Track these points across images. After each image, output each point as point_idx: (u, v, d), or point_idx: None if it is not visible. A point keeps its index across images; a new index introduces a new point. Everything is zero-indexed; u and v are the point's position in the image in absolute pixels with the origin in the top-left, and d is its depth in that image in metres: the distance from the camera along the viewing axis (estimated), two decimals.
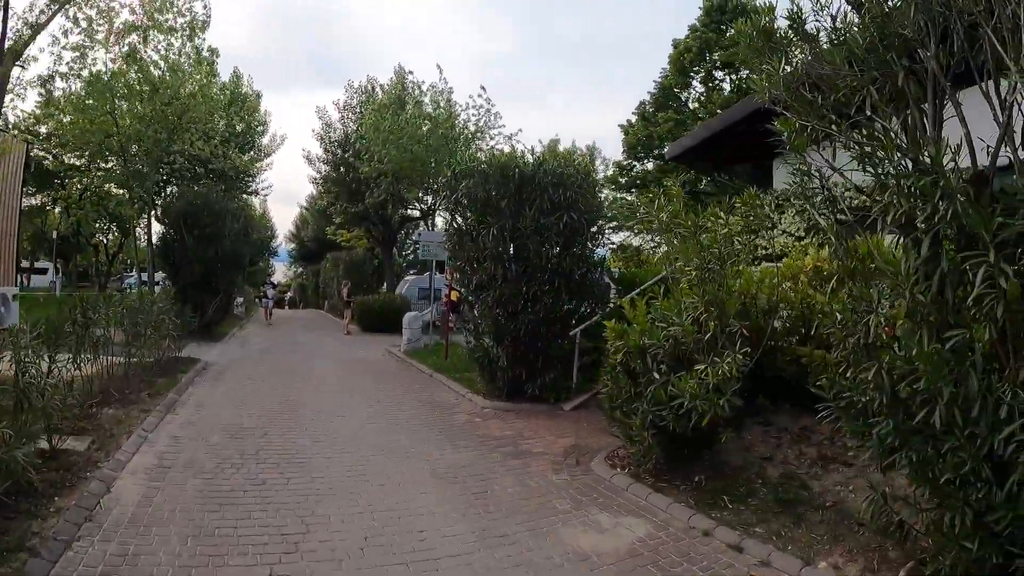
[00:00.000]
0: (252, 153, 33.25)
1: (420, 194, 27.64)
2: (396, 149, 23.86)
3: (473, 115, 25.80)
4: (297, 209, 61.89)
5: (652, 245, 31.27)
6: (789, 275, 9.20)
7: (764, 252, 14.22)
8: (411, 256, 52.12)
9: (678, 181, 26.96)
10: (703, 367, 6.67)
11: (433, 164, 24.87)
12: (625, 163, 30.77)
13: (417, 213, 32.46)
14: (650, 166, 31.04)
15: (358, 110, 30.13)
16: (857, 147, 4.99)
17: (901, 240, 4.79)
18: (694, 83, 29.67)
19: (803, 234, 13.78)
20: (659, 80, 30.07)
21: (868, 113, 4.94)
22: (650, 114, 30.16)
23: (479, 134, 25.84)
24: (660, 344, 7.30)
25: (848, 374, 5.03)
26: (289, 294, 61.67)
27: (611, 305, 12.51)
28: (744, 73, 28.25)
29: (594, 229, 12.74)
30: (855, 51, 4.87)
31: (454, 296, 24.71)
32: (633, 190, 30.31)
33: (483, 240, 11.77)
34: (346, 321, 25.30)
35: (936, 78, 4.71)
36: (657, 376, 7.14)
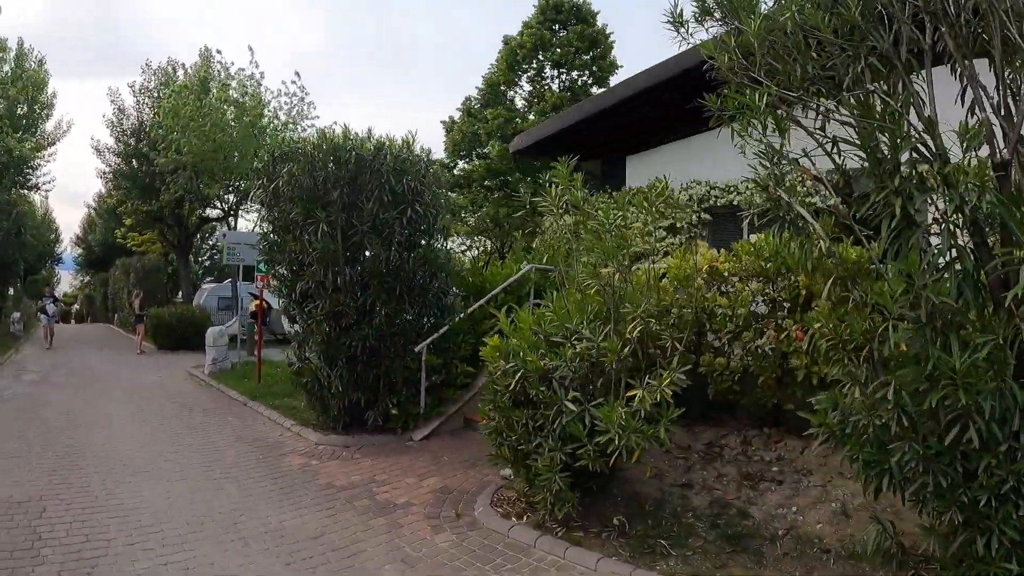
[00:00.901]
0: (34, 140, 28.48)
1: (221, 192, 24.36)
2: (197, 138, 20.74)
3: (285, 103, 23.04)
4: (84, 210, 55.14)
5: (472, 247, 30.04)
6: (681, 276, 7.81)
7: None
8: (208, 263, 47.97)
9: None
10: (637, 392, 5.60)
11: (237, 157, 21.95)
12: (448, 161, 28.93)
13: (217, 213, 29.09)
14: (475, 164, 29.32)
15: (156, 94, 26.41)
16: (856, 119, 4.38)
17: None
18: (522, 81, 28.33)
19: (664, 232, 12.78)
20: (487, 75, 28.51)
21: (869, 86, 4.43)
22: (477, 110, 28.53)
23: (290, 124, 23.09)
24: (568, 365, 6.02)
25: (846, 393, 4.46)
26: (76, 306, 55.29)
27: (459, 316, 11.01)
28: (574, 74, 27.46)
29: (439, 226, 10.88)
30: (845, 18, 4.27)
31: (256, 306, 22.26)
32: (457, 189, 28.51)
33: (309, 239, 9.62)
34: (139, 338, 21.70)
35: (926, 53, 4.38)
36: (571, 406, 5.86)
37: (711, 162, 11.61)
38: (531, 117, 26.79)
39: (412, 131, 11.56)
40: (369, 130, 10.26)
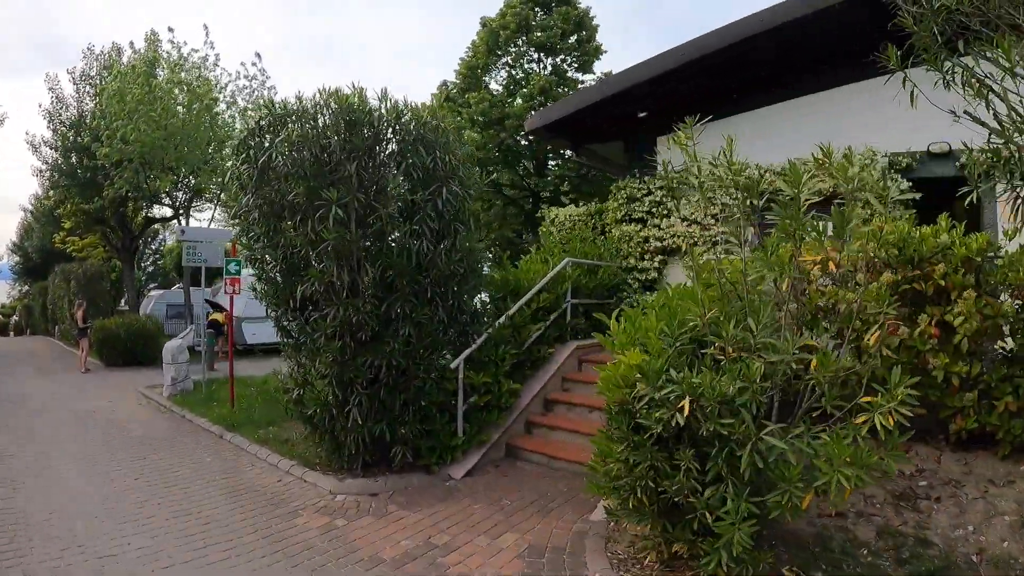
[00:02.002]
0: None
1: (171, 187, 21.35)
2: (145, 123, 17.86)
3: (244, 86, 20.20)
4: (20, 215, 50.73)
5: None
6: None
7: (658, 244, 11.76)
8: (151, 268, 44.43)
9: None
10: (871, 415, 4.01)
11: (188, 147, 19.15)
12: None
13: (166, 213, 26.04)
14: None
15: (98, 81, 23.28)
16: None
17: None
18: (500, 65, 25.85)
19: (709, 220, 11.12)
20: (465, 59, 25.95)
21: None
22: (455, 95, 25.94)
23: (249, 111, 20.28)
24: (755, 387, 4.33)
25: None
26: (14, 318, 50.98)
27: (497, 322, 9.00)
28: (559, 58, 25.14)
29: (469, 212, 8.57)
30: None
31: (217, 318, 19.56)
32: None
33: (315, 227, 7.17)
34: (83, 355, 18.60)
35: None
36: (774, 441, 4.13)
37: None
38: (517, 102, 24.33)
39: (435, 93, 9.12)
40: (384, 90, 7.77)
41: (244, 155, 7.92)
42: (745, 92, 11.18)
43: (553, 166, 25.42)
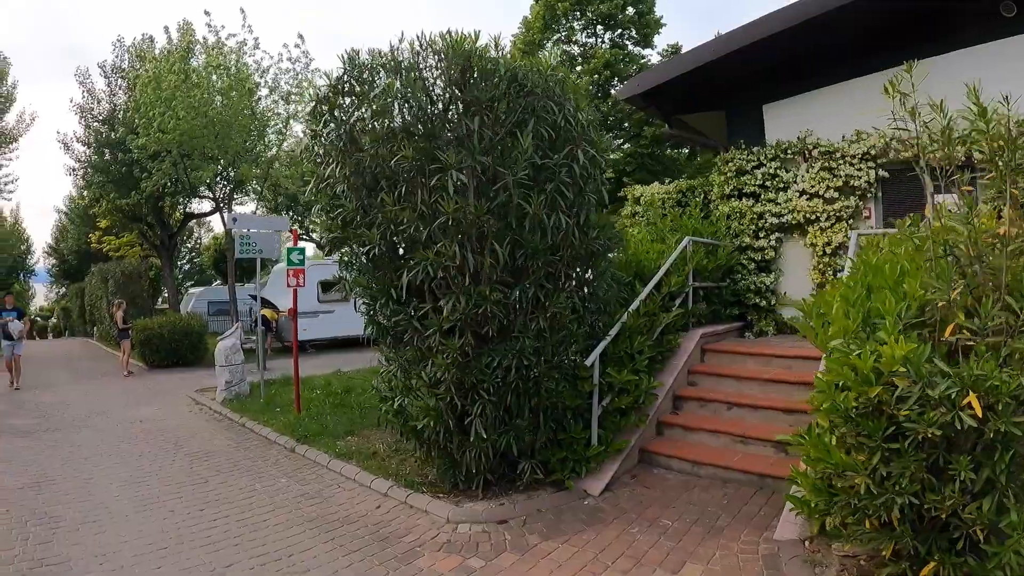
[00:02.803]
0: None
1: (213, 176, 19.74)
2: (184, 110, 16.29)
3: (287, 68, 18.57)
4: (55, 217, 49.54)
5: None
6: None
7: (775, 221, 10.21)
8: (187, 266, 43.10)
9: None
10: None
11: (228, 137, 17.62)
12: None
13: (206, 207, 24.60)
14: None
15: (130, 73, 21.85)
16: None
17: None
18: (555, 40, 23.97)
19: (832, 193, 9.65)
20: (517, 35, 24.16)
21: None
22: None
23: (294, 95, 18.68)
24: None
25: None
26: (52, 320, 50.02)
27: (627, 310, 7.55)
28: (617, 32, 23.27)
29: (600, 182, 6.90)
30: None
31: (266, 313, 18.06)
32: None
33: (424, 198, 5.71)
34: (124, 357, 17.09)
35: None
36: None
37: None
38: (582, 79, 22.43)
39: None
40: (497, 36, 6.13)
41: (325, 117, 6.32)
42: (886, 46, 9.48)
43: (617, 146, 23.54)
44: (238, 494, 6.87)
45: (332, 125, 6.30)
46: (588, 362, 6.62)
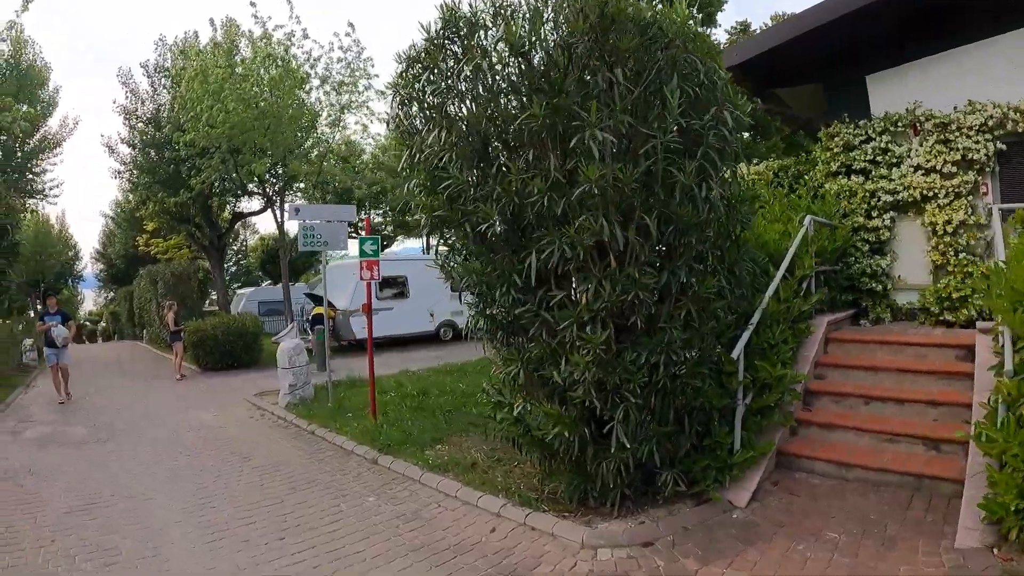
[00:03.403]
0: (33, 141, 23.37)
1: (267, 169, 18.81)
2: (235, 102, 15.38)
3: (340, 58, 17.56)
4: (102, 222, 49.16)
5: None
6: None
7: (888, 199, 9.11)
8: (233, 267, 42.55)
9: None
10: None
11: (279, 130, 16.69)
12: None
13: (255, 205, 23.76)
14: None
15: (173, 71, 21.07)
16: None
17: None
18: None
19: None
20: None
21: None
22: None
23: (345, 87, 17.67)
24: None
25: None
26: (101, 324, 49.90)
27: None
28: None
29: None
30: None
31: (321, 311, 17.12)
32: None
33: (556, 164, 4.83)
34: (177, 360, 16.18)
35: None
36: None
37: None
38: None
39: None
40: None
41: (422, 78, 5.30)
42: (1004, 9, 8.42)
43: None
44: (321, 517, 5.85)
45: (431, 86, 5.25)
46: (734, 355, 5.58)
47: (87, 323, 53.68)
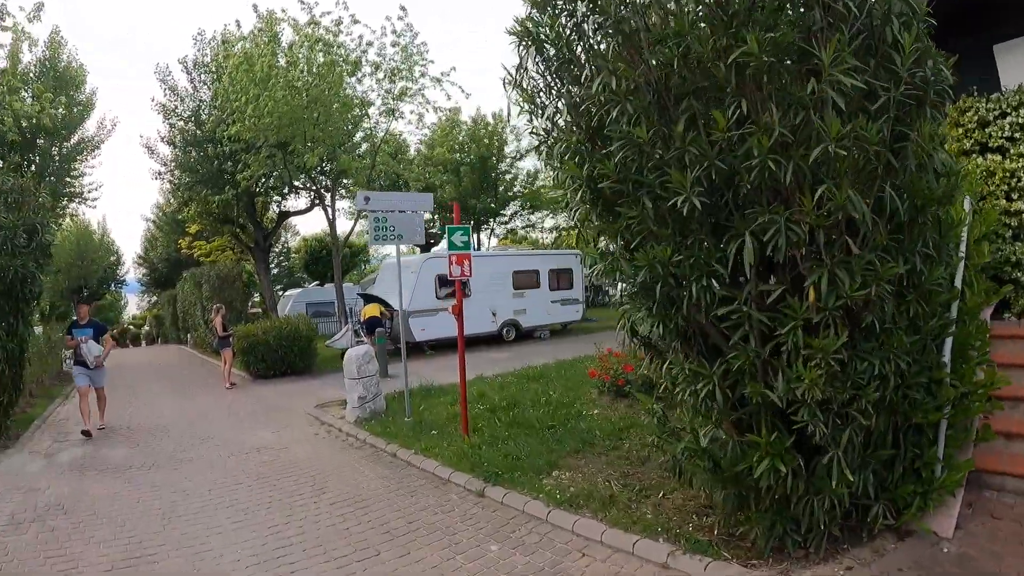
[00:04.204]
0: (71, 143, 22.46)
1: (319, 161, 17.48)
2: (283, 89, 14.04)
3: (394, 42, 16.13)
4: (143, 226, 48.45)
5: None
6: None
7: None
8: (275, 269, 41.65)
9: None
10: None
11: (331, 120, 15.37)
12: None
13: (301, 204, 22.50)
14: None
15: (213, 67, 19.90)
16: None
17: None
18: None
19: None
20: None
21: None
22: None
23: (398, 73, 16.25)
24: None
25: None
26: (145, 328, 49.30)
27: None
28: None
29: None
30: None
31: (375, 312, 15.75)
32: None
33: (780, 117, 3.50)
34: (227, 368, 14.99)
35: None
36: None
37: None
38: None
39: None
40: None
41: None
42: None
43: None
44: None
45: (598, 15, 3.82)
46: (945, 357, 4.39)
47: (131, 327, 53.18)
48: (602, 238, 4.57)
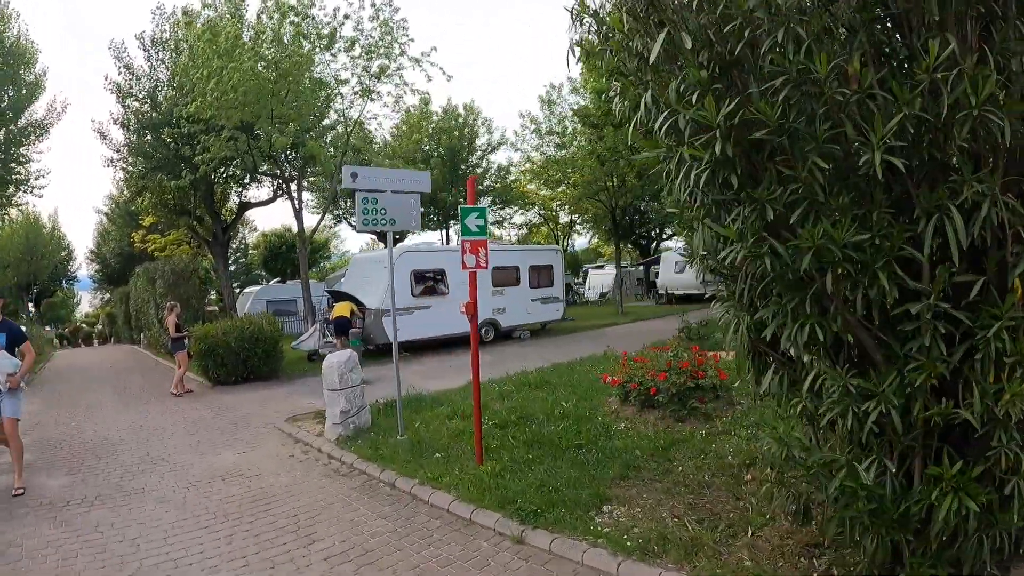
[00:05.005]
0: (17, 126, 20.51)
1: (286, 149, 15.83)
2: (250, 60, 12.44)
3: (368, 16, 14.60)
4: (96, 219, 45.72)
5: None
6: None
7: None
8: (233, 266, 39.80)
9: None
10: None
11: (304, 98, 13.84)
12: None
13: (263, 195, 20.84)
14: None
15: (173, 45, 18.12)
16: None
17: None
18: None
19: None
20: None
21: None
22: None
23: (375, 50, 14.72)
24: None
25: None
26: (98, 327, 46.81)
27: None
28: None
29: None
30: None
31: (345, 311, 14.31)
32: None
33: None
34: (179, 372, 13.11)
35: None
36: None
37: None
38: None
39: None
40: None
41: None
42: None
43: None
44: None
45: None
46: None
47: (84, 325, 50.63)
48: (733, 214, 3.26)
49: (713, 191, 3.24)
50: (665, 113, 3.28)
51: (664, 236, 43.35)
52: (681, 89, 3.14)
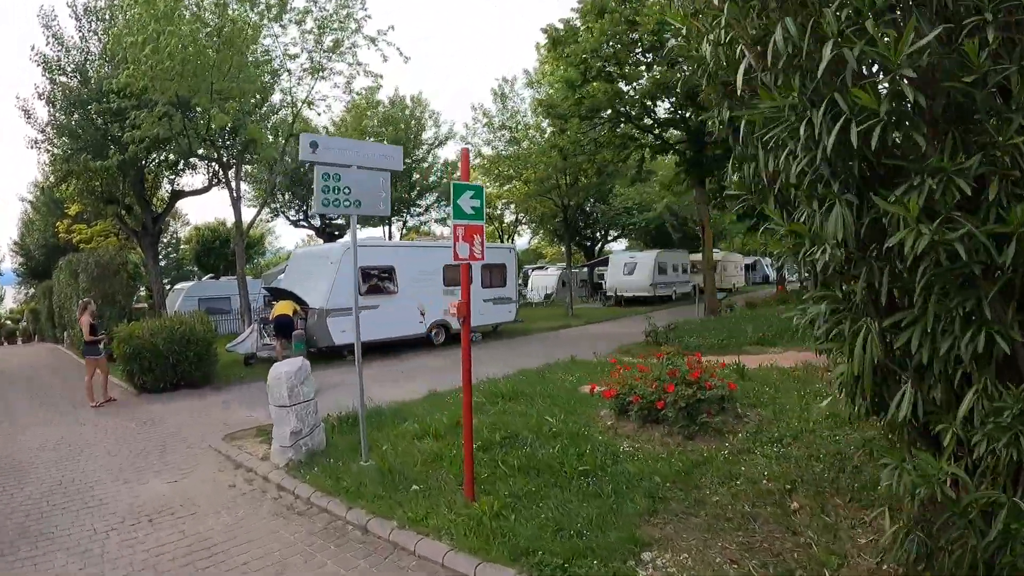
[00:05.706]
0: None
1: (220, 132, 14.24)
2: (188, 25, 10.93)
3: None
4: (20, 208, 42.58)
5: None
6: None
7: None
8: (163, 261, 37.53)
9: None
10: None
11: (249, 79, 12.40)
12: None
13: (197, 183, 19.12)
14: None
15: (107, 16, 16.32)
16: None
17: None
18: None
19: None
20: None
21: None
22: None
23: (328, 24, 13.33)
24: None
25: None
26: (22, 323, 43.70)
27: None
28: None
29: None
30: None
31: (287, 310, 12.99)
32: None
33: None
34: (93, 379, 11.08)
35: None
36: None
37: None
38: None
39: None
40: None
41: None
42: None
43: None
44: None
45: None
46: None
47: (7, 322, 47.34)
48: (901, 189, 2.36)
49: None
50: (828, 45, 2.28)
51: (609, 238, 42.76)
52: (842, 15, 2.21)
